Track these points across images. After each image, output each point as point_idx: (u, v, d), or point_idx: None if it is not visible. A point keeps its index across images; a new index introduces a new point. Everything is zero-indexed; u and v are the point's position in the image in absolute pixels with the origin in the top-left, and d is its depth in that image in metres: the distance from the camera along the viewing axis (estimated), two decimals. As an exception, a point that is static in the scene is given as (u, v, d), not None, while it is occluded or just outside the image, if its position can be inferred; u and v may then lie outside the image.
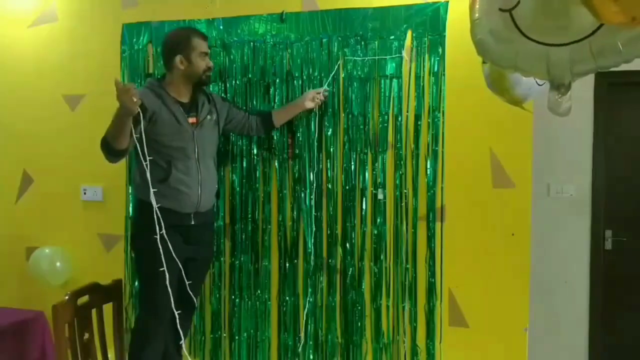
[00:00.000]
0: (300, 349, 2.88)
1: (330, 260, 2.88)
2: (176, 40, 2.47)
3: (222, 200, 2.98)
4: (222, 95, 2.92)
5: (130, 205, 3.00)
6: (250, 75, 2.94)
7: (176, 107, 2.46)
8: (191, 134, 2.50)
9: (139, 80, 3.06)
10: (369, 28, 2.79)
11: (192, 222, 2.52)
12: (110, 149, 2.30)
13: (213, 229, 2.84)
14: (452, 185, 2.77)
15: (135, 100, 2.15)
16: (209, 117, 2.57)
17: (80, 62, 3.23)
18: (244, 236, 2.97)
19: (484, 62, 1.78)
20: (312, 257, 2.89)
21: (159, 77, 2.56)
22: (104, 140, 2.30)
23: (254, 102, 2.93)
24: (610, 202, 3.34)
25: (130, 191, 3.03)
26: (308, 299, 2.87)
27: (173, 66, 2.46)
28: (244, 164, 2.96)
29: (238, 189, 2.98)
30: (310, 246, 2.88)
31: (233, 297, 2.99)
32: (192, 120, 2.50)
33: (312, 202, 2.88)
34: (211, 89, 2.96)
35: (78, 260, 3.25)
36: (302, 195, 2.89)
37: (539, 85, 1.70)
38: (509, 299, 2.72)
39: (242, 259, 2.98)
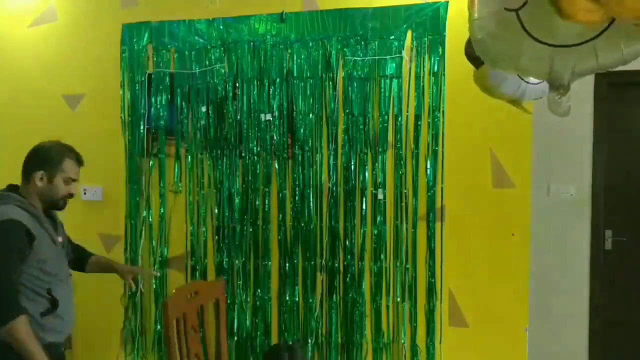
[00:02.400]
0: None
1: (330, 260, 2.88)
2: (45, 154, 2.12)
3: (223, 200, 2.98)
4: (224, 94, 2.94)
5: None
6: (250, 75, 2.94)
7: (50, 227, 2.07)
8: (63, 255, 2.16)
9: (138, 80, 3.07)
10: (369, 28, 2.79)
11: (63, 349, 2.18)
12: (10, 339, 1.85)
13: None
14: (452, 185, 2.77)
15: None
16: (60, 236, 2.18)
17: (80, 62, 3.23)
18: (244, 236, 2.97)
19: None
20: (312, 257, 2.89)
21: (8, 188, 2.13)
22: (12, 329, 1.83)
23: (254, 102, 2.93)
24: (610, 202, 3.34)
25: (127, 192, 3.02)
26: (309, 298, 2.88)
27: (30, 179, 2.08)
28: (244, 164, 2.97)
29: (238, 188, 2.98)
30: (310, 246, 2.89)
31: (233, 296, 2.99)
32: (60, 239, 2.13)
33: (312, 202, 2.88)
34: (212, 88, 2.97)
35: (78, 260, 3.25)
36: (302, 195, 2.89)
37: (527, 83, 1.68)
38: (509, 299, 2.72)
39: (242, 258, 2.98)
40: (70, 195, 2.13)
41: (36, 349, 1.85)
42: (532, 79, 1.64)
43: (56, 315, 2.03)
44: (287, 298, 2.93)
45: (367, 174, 2.84)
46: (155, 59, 3.06)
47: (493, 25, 1.28)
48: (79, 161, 2.16)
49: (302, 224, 2.90)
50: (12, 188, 2.11)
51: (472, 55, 1.73)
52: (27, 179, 2.09)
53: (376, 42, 2.79)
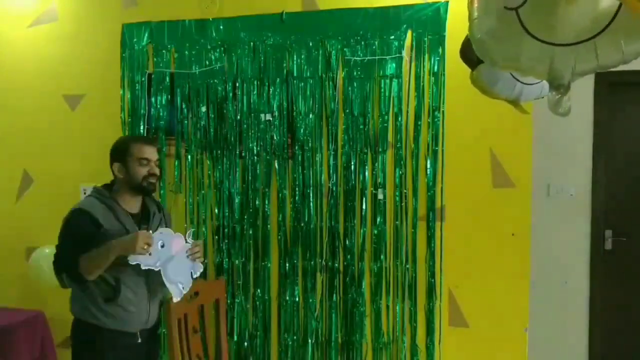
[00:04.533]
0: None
1: (330, 260, 2.88)
2: (114, 147, 2.27)
3: (223, 200, 2.98)
4: (224, 94, 2.94)
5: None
6: (250, 75, 2.94)
7: (128, 220, 2.20)
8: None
9: (138, 80, 3.07)
10: (369, 28, 2.79)
11: (139, 341, 2.23)
12: (79, 279, 2.08)
13: (159, 340, 2.53)
14: (452, 185, 2.77)
15: (146, 248, 2.03)
16: (160, 227, 2.28)
17: (80, 62, 3.23)
18: (244, 236, 2.97)
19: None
20: (312, 257, 2.89)
21: (107, 183, 2.28)
22: (74, 270, 2.06)
23: (254, 102, 2.94)
24: (610, 202, 3.34)
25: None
26: (310, 298, 2.88)
27: (115, 175, 2.24)
28: (244, 164, 2.97)
29: (238, 188, 2.98)
30: (310, 246, 2.89)
31: (233, 296, 2.99)
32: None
33: (312, 202, 2.88)
34: (212, 88, 2.97)
35: (78, 260, 3.25)
36: (302, 195, 2.89)
37: (523, 83, 1.67)
38: (509, 299, 2.72)
39: (242, 258, 2.98)
40: (152, 175, 2.22)
41: (107, 246, 2.03)
42: (527, 79, 1.63)
43: (118, 304, 2.14)
44: (287, 298, 2.93)
45: (367, 174, 2.84)
46: (155, 59, 3.06)
47: (493, 25, 1.28)
48: (146, 141, 2.31)
49: (302, 224, 2.90)
50: (110, 184, 2.28)
51: (467, 56, 1.73)
52: (113, 175, 2.25)
53: (376, 42, 2.79)
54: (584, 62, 1.18)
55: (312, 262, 2.89)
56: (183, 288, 2.18)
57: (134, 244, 2.00)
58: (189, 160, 3.05)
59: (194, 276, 2.23)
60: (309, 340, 2.89)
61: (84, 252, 2.06)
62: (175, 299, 2.17)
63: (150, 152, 2.24)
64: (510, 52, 1.26)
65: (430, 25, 2.73)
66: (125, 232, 2.15)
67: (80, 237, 2.10)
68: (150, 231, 2.11)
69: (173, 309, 2.20)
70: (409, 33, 2.76)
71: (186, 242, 2.22)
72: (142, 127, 3.08)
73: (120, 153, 2.22)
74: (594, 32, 1.15)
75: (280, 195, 2.94)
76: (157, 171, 2.26)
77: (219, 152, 2.99)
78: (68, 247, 2.11)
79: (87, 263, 2.05)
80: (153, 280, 2.21)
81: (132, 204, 2.25)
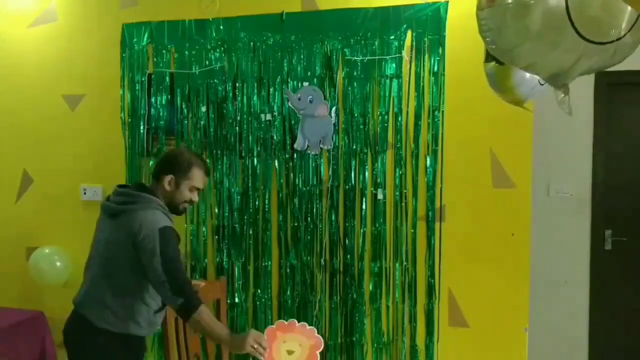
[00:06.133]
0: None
1: (330, 260, 2.88)
2: (177, 158, 2.19)
3: (223, 200, 2.99)
4: (224, 94, 2.94)
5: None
6: (250, 75, 2.94)
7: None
8: None
9: (138, 80, 3.07)
10: (369, 28, 2.79)
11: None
12: (187, 316, 1.97)
13: None
14: (452, 185, 2.77)
15: (256, 347, 1.94)
16: None
17: (80, 62, 3.23)
18: (244, 236, 2.97)
19: (486, 61, 1.77)
20: (312, 257, 2.89)
21: (140, 187, 2.18)
22: (192, 307, 1.95)
23: (254, 102, 2.94)
24: (610, 202, 3.34)
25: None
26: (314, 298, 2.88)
27: (159, 181, 2.15)
28: (244, 164, 2.97)
29: (238, 188, 2.98)
30: (310, 246, 2.89)
31: (233, 296, 2.99)
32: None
33: (312, 202, 2.88)
34: (211, 88, 2.97)
35: (78, 260, 3.24)
36: (302, 195, 2.89)
37: (541, 85, 1.70)
38: (509, 299, 2.72)
39: (242, 258, 2.98)
40: (191, 202, 2.21)
41: (222, 331, 1.98)
42: (542, 80, 1.64)
43: (162, 314, 2.18)
44: (287, 298, 2.93)
45: (367, 174, 2.84)
46: (155, 59, 3.06)
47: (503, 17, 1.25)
48: (207, 171, 2.23)
49: (302, 224, 2.90)
50: (140, 187, 2.17)
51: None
52: (157, 180, 2.17)
53: (376, 42, 2.79)
54: (601, 60, 1.18)
55: (312, 262, 2.89)
56: (308, 146, 2.72)
57: (244, 344, 1.92)
58: (189, 160, 3.04)
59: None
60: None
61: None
62: (297, 147, 2.77)
63: (205, 183, 2.23)
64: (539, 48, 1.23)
65: (430, 25, 2.73)
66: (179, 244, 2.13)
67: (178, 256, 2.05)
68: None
69: (169, 308, 2.20)
70: (409, 33, 2.76)
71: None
72: (142, 127, 3.08)
73: (179, 169, 2.14)
74: (625, 31, 1.14)
75: (280, 195, 2.94)
76: (197, 200, 2.24)
77: (219, 152, 2.99)
78: (181, 268, 2.03)
79: (204, 319, 1.95)
80: None
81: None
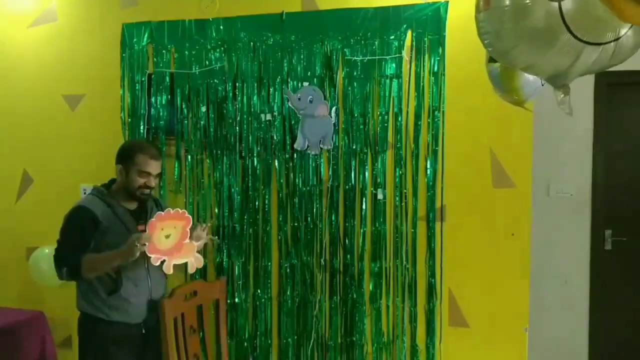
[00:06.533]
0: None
1: (330, 260, 2.88)
2: (122, 149, 2.36)
3: (223, 200, 2.99)
4: (224, 94, 2.93)
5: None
6: (250, 75, 2.94)
7: (126, 216, 2.31)
8: None
9: (138, 80, 3.07)
10: (369, 28, 2.79)
11: (143, 332, 2.32)
12: (78, 276, 2.18)
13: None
14: (452, 185, 2.77)
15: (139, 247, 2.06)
16: None
17: (80, 62, 3.23)
18: (244, 236, 2.97)
19: (489, 62, 1.77)
20: (312, 257, 2.89)
21: (106, 183, 2.38)
22: (74, 266, 2.16)
23: (254, 102, 2.94)
24: (610, 202, 3.34)
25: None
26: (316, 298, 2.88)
27: (117, 174, 2.33)
28: (244, 164, 2.97)
29: (238, 188, 2.98)
30: (310, 246, 2.89)
31: (233, 296, 2.99)
32: (141, 227, 2.29)
33: (312, 202, 2.88)
34: (211, 88, 2.97)
35: (78, 260, 3.25)
36: (302, 195, 2.89)
37: (542, 85, 1.71)
38: (509, 299, 2.72)
39: (242, 258, 2.98)
40: (147, 187, 2.30)
41: (109, 256, 2.14)
42: (541, 79, 1.65)
43: (120, 297, 2.24)
44: (287, 298, 2.93)
45: (367, 174, 2.84)
46: (155, 59, 3.06)
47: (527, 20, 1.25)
48: (153, 155, 2.31)
49: (302, 224, 2.90)
50: (110, 182, 2.38)
51: None
52: (116, 175, 2.33)
53: (376, 42, 2.79)
54: (600, 63, 1.18)
55: (312, 262, 2.89)
56: (308, 146, 2.70)
57: (131, 250, 2.05)
58: (189, 160, 3.04)
59: None
60: (309, 340, 2.90)
61: (84, 247, 2.18)
62: (297, 147, 2.77)
63: (153, 167, 2.30)
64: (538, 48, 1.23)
65: (430, 25, 2.73)
66: (124, 228, 2.26)
67: (80, 233, 2.20)
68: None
69: (167, 308, 2.19)
70: (409, 33, 2.76)
71: None
72: (142, 127, 3.08)
73: (125, 158, 2.30)
74: (624, 31, 1.14)
75: (280, 195, 2.94)
76: (153, 184, 2.33)
77: (219, 152, 2.99)
78: (69, 243, 2.21)
79: (89, 266, 2.16)
80: (155, 272, 2.31)
81: (130, 201, 2.34)
